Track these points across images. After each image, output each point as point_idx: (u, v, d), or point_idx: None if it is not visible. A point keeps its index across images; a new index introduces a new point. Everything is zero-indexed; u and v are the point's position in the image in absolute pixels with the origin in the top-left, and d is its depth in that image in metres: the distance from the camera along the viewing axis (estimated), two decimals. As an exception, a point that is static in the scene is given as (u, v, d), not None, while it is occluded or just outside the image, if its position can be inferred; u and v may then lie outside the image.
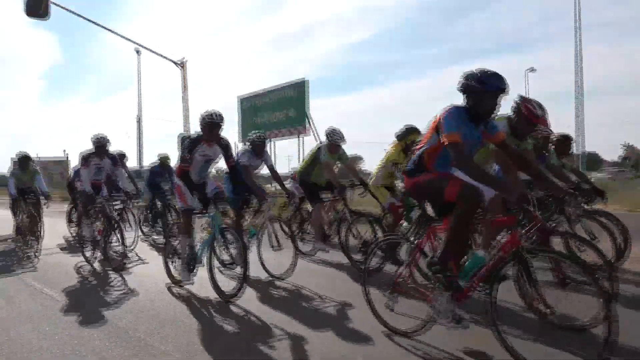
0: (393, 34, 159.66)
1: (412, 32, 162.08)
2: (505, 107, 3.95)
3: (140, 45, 22.20)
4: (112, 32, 20.38)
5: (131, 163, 14.99)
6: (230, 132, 33.40)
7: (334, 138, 6.11)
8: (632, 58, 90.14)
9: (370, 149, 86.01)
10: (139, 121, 30.79)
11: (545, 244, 3.53)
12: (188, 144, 4.65)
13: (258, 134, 6.14)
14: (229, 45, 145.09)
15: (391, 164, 5.85)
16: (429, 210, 3.46)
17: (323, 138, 6.45)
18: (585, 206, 4.77)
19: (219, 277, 4.65)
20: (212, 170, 5.81)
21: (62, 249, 8.12)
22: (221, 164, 5.26)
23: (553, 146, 5.40)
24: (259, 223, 5.49)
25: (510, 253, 2.78)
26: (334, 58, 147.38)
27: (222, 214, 4.90)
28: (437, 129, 3.00)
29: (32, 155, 8.60)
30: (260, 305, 4.30)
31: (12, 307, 4.47)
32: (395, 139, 5.88)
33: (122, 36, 18.79)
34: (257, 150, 6.01)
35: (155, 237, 8.79)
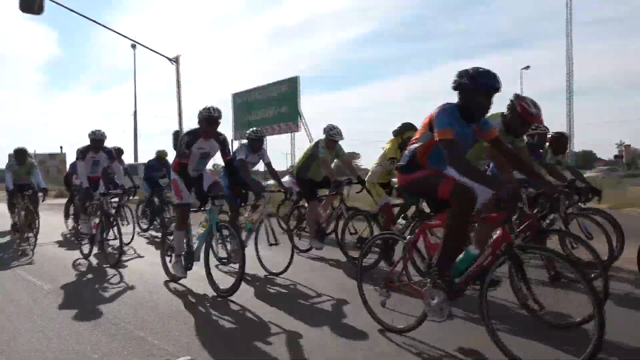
0: (392, 29, 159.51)
1: (411, 28, 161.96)
2: (502, 106, 3.98)
3: (134, 41, 22.07)
4: (106, 27, 20.20)
5: (127, 159, 14.97)
6: (224, 128, 33.32)
7: (333, 134, 6.12)
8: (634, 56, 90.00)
9: (370, 145, 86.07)
10: (135, 116, 30.67)
11: (539, 242, 3.55)
12: (187, 139, 4.66)
13: (255, 130, 6.16)
14: (225, 41, 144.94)
15: (389, 160, 5.85)
16: (424, 206, 3.47)
17: (317, 134, 6.46)
18: (582, 205, 4.79)
19: (215, 273, 4.66)
20: (209, 165, 5.81)
21: (58, 243, 8.12)
22: (219, 160, 5.27)
23: (548, 144, 5.42)
24: (255, 218, 5.51)
25: (501, 250, 2.77)
26: (332, 54, 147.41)
27: (219, 209, 4.91)
28: (430, 125, 3.00)
29: (30, 150, 8.56)
30: (257, 301, 4.32)
31: (9, 302, 4.48)
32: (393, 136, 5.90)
33: (115, 32, 18.62)
34: (254, 147, 6.02)
35: (153, 233, 8.81)
